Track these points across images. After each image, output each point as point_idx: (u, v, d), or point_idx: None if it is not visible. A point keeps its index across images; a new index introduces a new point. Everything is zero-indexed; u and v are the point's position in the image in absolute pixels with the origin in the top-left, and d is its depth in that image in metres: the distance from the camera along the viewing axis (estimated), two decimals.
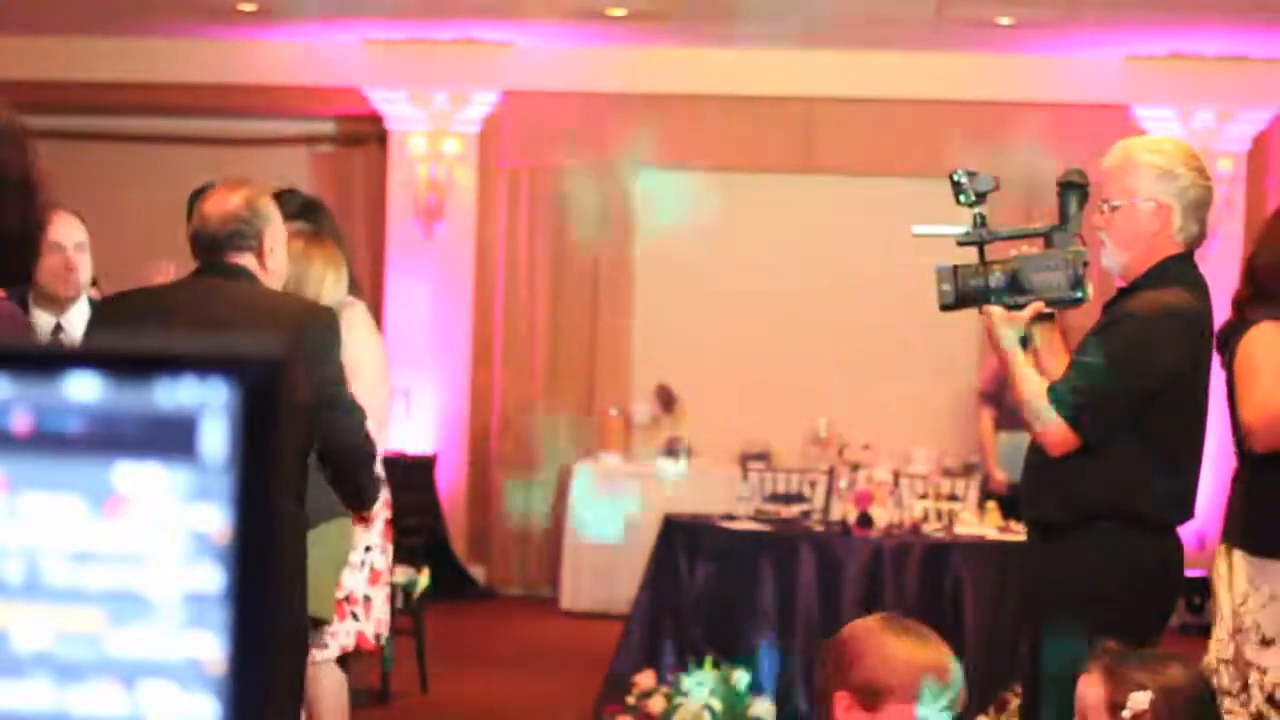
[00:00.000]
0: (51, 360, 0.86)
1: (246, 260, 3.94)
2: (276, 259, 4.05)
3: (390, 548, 5.22)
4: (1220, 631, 4.28)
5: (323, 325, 3.92)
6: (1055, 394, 3.81)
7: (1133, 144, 4.00)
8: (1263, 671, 4.18)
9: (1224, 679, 4.21)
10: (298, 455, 3.51)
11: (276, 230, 4.05)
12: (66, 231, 5.00)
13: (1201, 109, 10.04)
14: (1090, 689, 2.96)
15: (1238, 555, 4.23)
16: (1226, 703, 4.14)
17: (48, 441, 0.86)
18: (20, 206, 2.24)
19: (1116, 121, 9.87)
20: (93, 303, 5.02)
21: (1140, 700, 2.86)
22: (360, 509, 4.51)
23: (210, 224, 3.93)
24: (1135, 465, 3.80)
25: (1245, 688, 4.18)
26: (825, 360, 10.22)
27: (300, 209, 5.05)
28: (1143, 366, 3.79)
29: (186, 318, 3.86)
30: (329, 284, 4.74)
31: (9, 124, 2.28)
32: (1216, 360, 4.06)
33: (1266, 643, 4.16)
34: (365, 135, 10.72)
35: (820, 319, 10.27)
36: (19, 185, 2.24)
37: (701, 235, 10.47)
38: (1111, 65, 10.10)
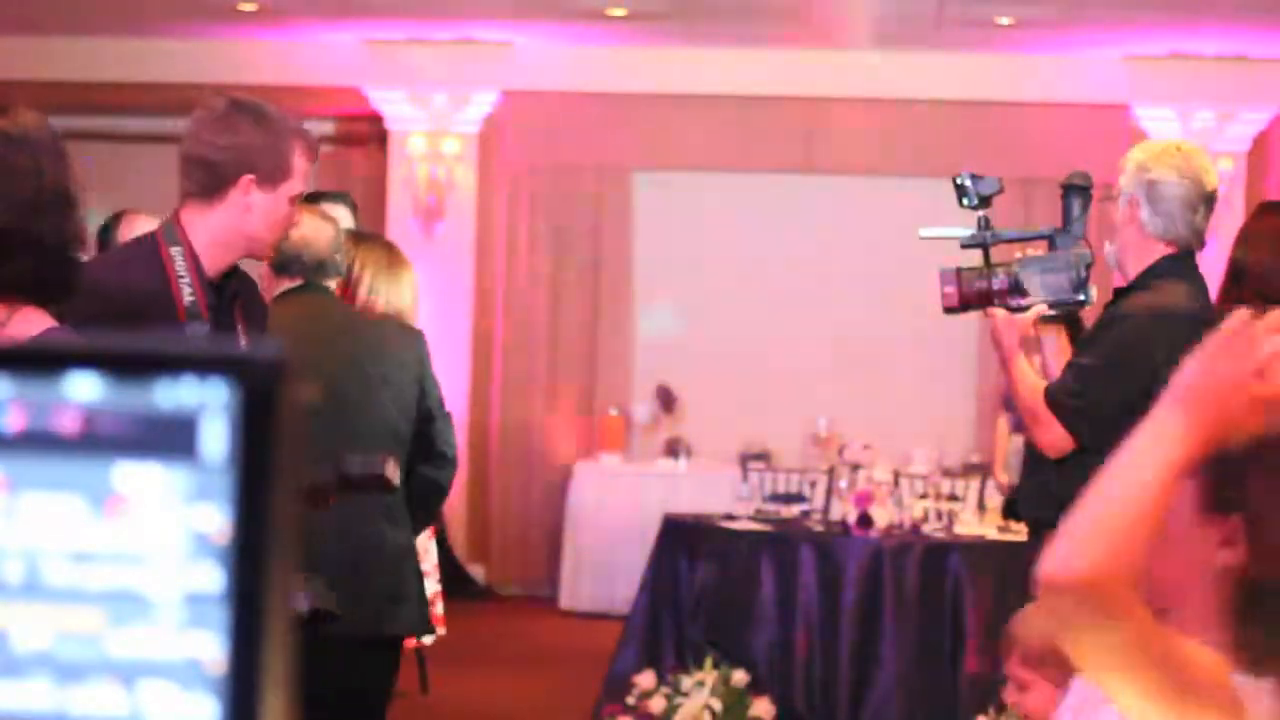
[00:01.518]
0: (51, 359, 0.86)
1: (334, 286, 4.09)
2: None
3: (432, 546, 5.11)
4: None
5: (423, 343, 4.11)
6: (1051, 396, 3.81)
7: (1139, 144, 4.06)
8: None
9: None
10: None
11: None
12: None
13: (1201, 109, 10.04)
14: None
15: None
16: None
17: (47, 441, 0.86)
18: (58, 219, 2.23)
19: (1116, 121, 9.88)
20: None
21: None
22: (429, 520, 4.53)
23: (320, 248, 4.01)
24: None
25: None
26: (825, 361, 10.22)
27: (355, 212, 5.08)
28: (1138, 367, 3.78)
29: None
30: (406, 287, 4.75)
31: (47, 134, 2.27)
32: None
33: None
34: (365, 135, 10.71)
35: (821, 319, 10.27)
36: (57, 197, 2.23)
37: (701, 235, 10.47)
38: (1111, 65, 10.10)
